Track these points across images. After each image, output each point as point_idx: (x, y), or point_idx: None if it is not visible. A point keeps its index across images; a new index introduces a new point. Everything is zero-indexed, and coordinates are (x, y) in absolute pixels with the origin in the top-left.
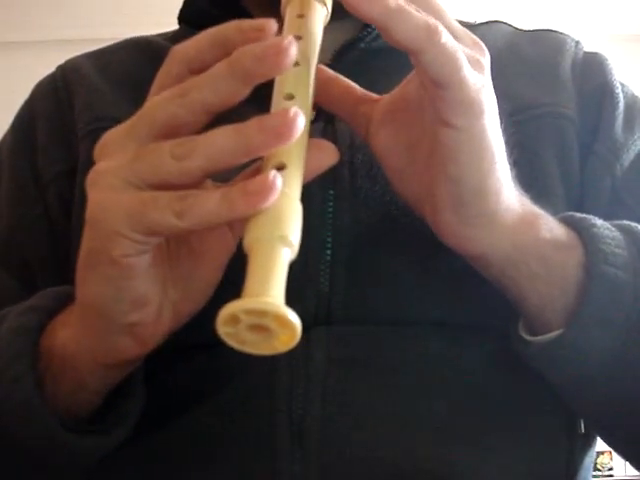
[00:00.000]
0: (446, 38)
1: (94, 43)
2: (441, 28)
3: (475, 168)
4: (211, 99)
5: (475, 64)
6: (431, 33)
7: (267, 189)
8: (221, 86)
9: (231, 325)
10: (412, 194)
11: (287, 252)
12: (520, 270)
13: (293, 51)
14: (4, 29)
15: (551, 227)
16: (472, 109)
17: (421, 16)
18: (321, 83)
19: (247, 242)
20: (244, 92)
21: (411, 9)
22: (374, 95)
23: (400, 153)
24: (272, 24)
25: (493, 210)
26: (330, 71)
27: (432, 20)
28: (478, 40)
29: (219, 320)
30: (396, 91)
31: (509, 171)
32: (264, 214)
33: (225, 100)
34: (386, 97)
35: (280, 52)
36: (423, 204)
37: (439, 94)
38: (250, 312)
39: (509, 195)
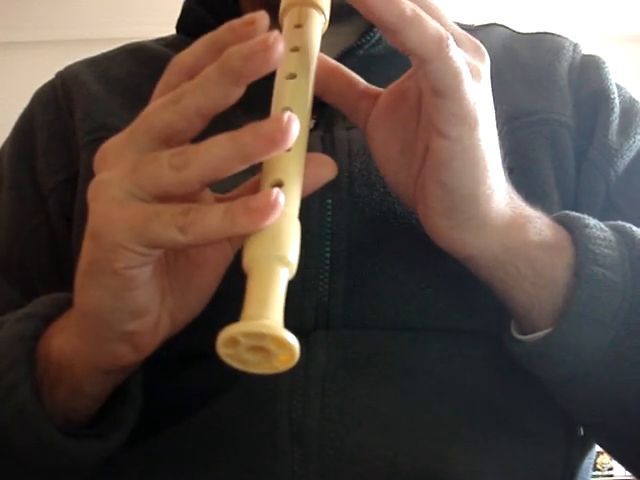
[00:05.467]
0: (454, 51)
1: (94, 43)
2: (450, 40)
3: (467, 176)
4: (204, 103)
5: (475, 75)
6: (442, 44)
7: (270, 207)
8: (213, 89)
9: (231, 347)
10: (406, 194)
11: (285, 272)
12: (508, 271)
13: (280, 46)
14: (4, 29)
15: (541, 229)
16: (467, 121)
17: (434, 26)
18: (323, 74)
19: (246, 261)
20: (237, 93)
21: (426, 17)
22: (376, 89)
23: (395, 153)
24: (262, 16)
25: (484, 215)
26: (333, 61)
27: (444, 31)
28: (479, 44)
29: (219, 342)
30: (394, 86)
31: (502, 176)
32: (263, 233)
33: (218, 103)
34: (385, 93)
35: (267, 48)
36: (416, 205)
37: (436, 103)
38: (249, 334)
39: (500, 199)
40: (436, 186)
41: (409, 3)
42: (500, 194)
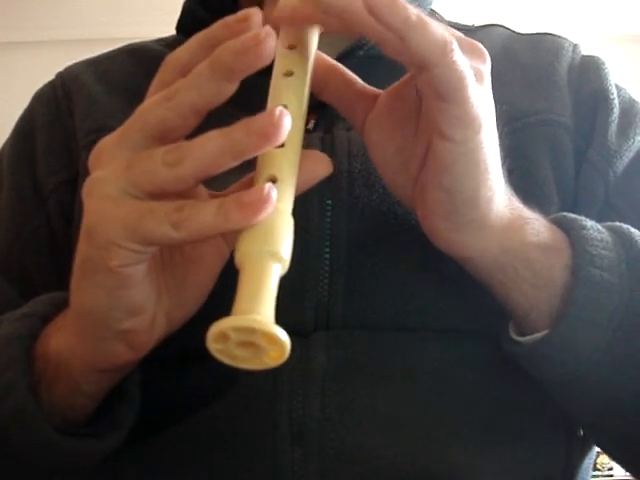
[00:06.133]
0: (458, 55)
1: (94, 43)
2: (455, 45)
3: (468, 179)
4: (197, 99)
5: (478, 78)
6: (446, 49)
7: (262, 201)
8: (205, 86)
9: (221, 342)
10: (405, 196)
11: (277, 268)
12: (507, 273)
13: (271, 42)
14: (4, 29)
15: (539, 230)
16: (472, 125)
17: (439, 31)
18: (321, 72)
19: (238, 257)
20: (230, 89)
21: (430, 22)
22: (374, 90)
23: (393, 155)
24: (255, 12)
25: (483, 217)
26: (331, 60)
27: (448, 35)
28: (478, 45)
29: (209, 337)
30: (393, 88)
31: (502, 178)
32: (255, 228)
33: (211, 99)
34: (383, 94)
35: (259, 43)
36: (415, 206)
37: (440, 107)
38: (239, 329)
39: (500, 202)
40: (437, 189)
41: (413, 9)
42: (500, 196)
